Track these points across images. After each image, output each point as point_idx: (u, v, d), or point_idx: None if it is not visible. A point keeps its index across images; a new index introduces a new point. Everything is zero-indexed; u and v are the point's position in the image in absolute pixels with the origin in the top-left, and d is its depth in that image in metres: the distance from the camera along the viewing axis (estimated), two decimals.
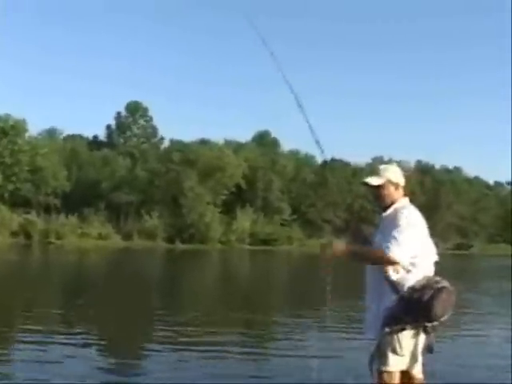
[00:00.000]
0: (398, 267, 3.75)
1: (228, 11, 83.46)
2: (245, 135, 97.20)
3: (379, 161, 61.02)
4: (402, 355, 3.78)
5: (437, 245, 4.03)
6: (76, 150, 66.04)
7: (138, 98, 72.05)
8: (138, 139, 70.70)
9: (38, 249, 43.42)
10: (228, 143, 68.34)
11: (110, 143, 69.99)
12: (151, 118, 71.40)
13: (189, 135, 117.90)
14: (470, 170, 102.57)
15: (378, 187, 3.98)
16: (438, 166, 78.64)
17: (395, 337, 3.75)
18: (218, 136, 70.15)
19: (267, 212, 62.84)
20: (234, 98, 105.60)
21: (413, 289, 3.72)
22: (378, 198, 4.00)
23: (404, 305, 3.71)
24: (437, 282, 3.77)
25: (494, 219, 75.78)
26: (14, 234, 52.97)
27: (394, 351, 3.76)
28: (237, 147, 66.94)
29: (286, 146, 75.00)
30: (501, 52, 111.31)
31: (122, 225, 57.99)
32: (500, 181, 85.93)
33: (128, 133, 70.52)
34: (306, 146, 73.61)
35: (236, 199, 61.57)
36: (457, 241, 69.16)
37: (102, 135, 73.18)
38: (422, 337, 3.80)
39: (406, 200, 4.01)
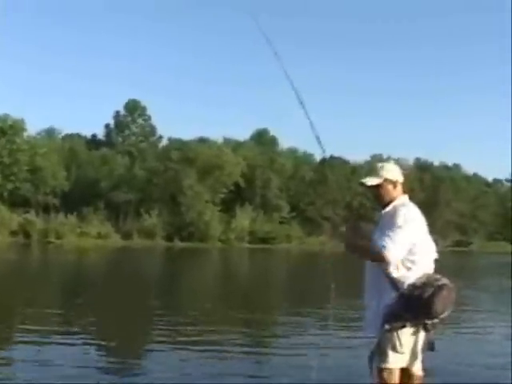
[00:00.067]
0: (399, 264, 3.75)
1: (227, 10, 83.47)
2: (243, 134, 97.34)
3: (378, 158, 60.84)
4: (402, 352, 3.77)
5: (436, 242, 4.01)
6: (75, 149, 65.96)
7: (136, 96, 72.10)
8: (137, 138, 70.66)
9: (37, 248, 43.37)
10: (227, 141, 68.34)
11: (108, 142, 69.90)
12: (150, 117, 71.38)
13: (187, 133, 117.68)
14: (469, 167, 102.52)
15: (376, 187, 3.97)
16: (437, 163, 78.66)
17: (395, 334, 3.74)
18: (216, 134, 70.38)
19: (266, 210, 62.83)
20: (233, 97, 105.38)
21: (413, 286, 3.72)
22: (377, 198, 4.00)
23: (404, 302, 3.70)
24: (437, 280, 3.76)
25: (494, 216, 75.82)
26: (13, 233, 52.88)
27: (394, 348, 3.76)
28: (235, 145, 66.94)
29: (285, 144, 75.23)
30: (500, 49, 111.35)
31: (121, 224, 57.90)
32: (499, 178, 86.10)
33: (126, 132, 70.46)
34: (305, 144, 73.90)
35: (235, 197, 61.54)
36: (456, 238, 69.13)
37: (100, 134, 73.25)
38: (422, 334, 3.80)
39: (406, 197, 4.00)
